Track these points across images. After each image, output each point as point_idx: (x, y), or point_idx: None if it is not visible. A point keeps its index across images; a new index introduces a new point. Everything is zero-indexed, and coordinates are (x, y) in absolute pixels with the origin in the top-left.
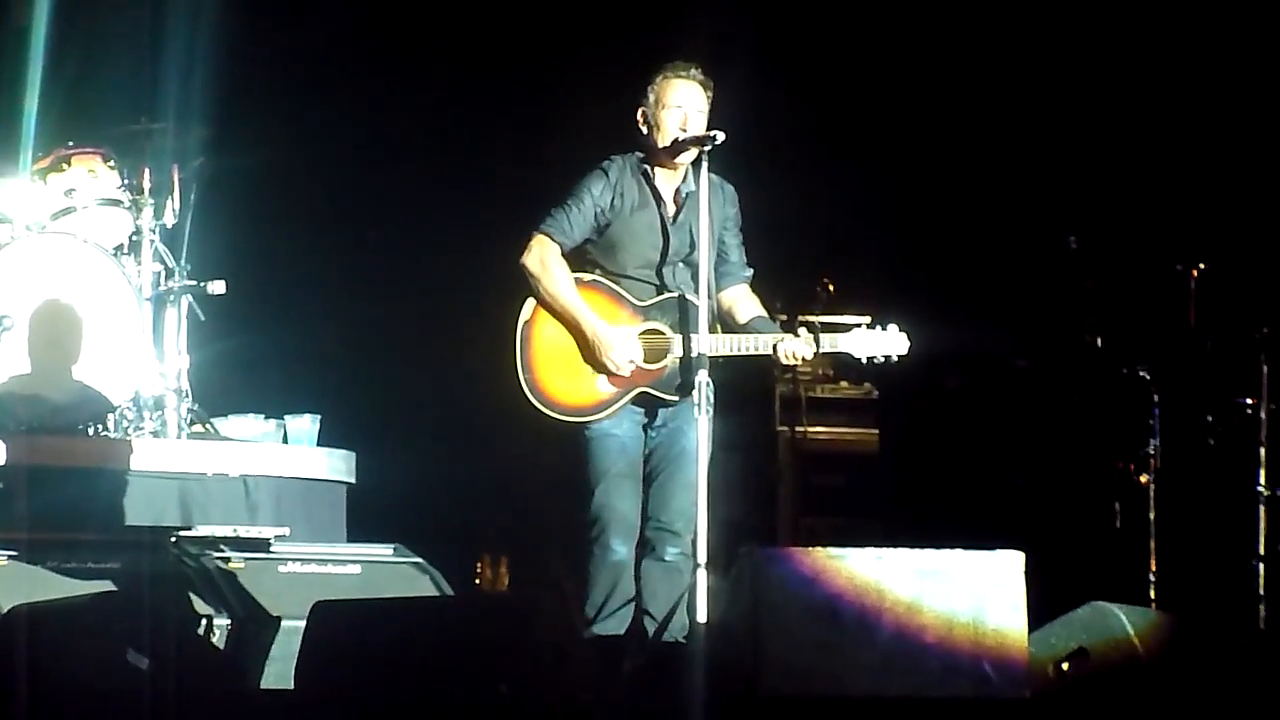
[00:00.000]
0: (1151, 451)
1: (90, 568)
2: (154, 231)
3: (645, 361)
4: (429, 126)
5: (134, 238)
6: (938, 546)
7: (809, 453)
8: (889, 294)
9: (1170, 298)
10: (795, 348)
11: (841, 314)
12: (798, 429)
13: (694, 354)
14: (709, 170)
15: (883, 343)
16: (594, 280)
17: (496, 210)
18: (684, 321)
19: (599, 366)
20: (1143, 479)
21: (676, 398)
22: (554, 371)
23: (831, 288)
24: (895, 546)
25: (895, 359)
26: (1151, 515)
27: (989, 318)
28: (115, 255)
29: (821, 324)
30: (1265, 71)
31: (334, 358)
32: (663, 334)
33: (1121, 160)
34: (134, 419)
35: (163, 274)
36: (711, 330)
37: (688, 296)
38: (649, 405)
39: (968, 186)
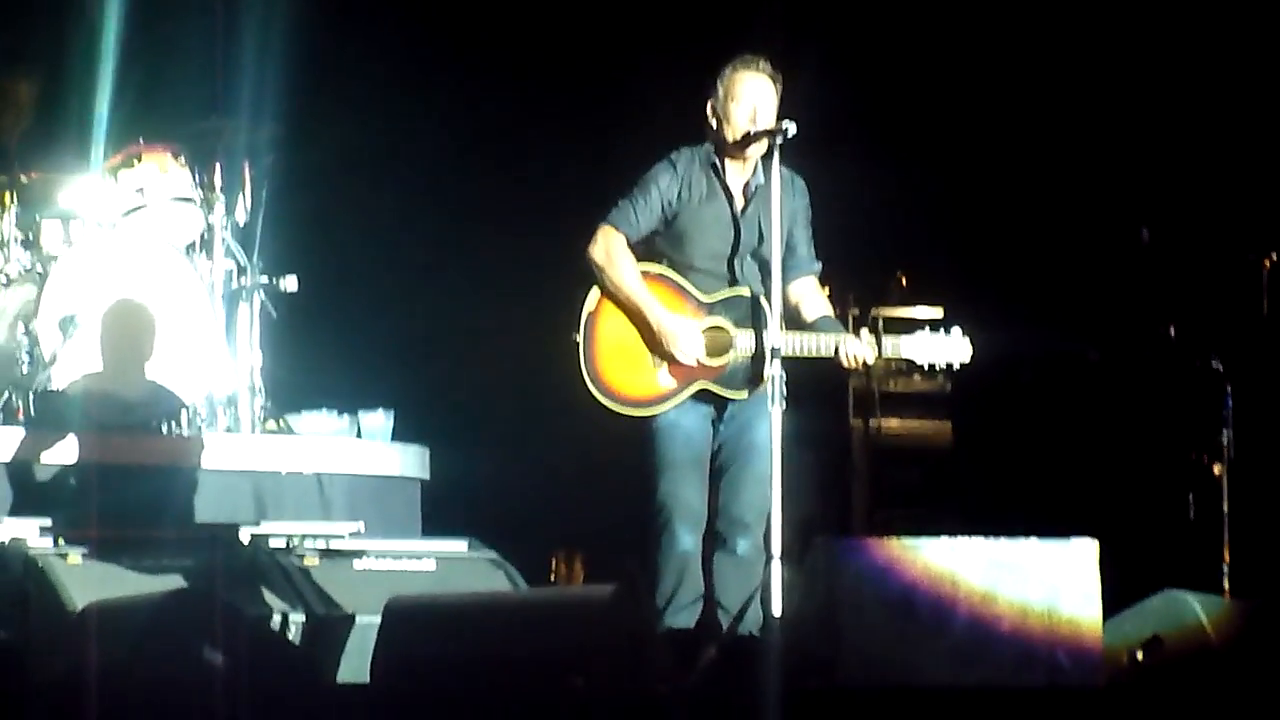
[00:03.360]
0: (1224, 442)
1: (164, 565)
2: (226, 228)
3: (707, 357)
4: (501, 120)
5: (205, 235)
6: (1012, 537)
7: (883, 446)
8: (962, 287)
9: (1242, 288)
10: (857, 350)
11: (914, 306)
12: (871, 423)
13: (758, 350)
14: (780, 163)
15: (945, 348)
16: (661, 274)
17: (569, 203)
18: (750, 317)
19: (662, 358)
20: (1216, 469)
21: (739, 394)
22: (616, 363)
23: (905, 281)
24: (973, 537)
25: (957, 366)
26: (1225, 505)
27: (1061, 310)
28: (187, 252)
29: (889, 320)
30: None
31: (407, 353)
32: (725, 330)
33: (1193, 151)
34: (207, 416)
35: (235, 271)
36: (779, 327)
37: (755, 291)
38: (716, 400)
39: (1040, 178)
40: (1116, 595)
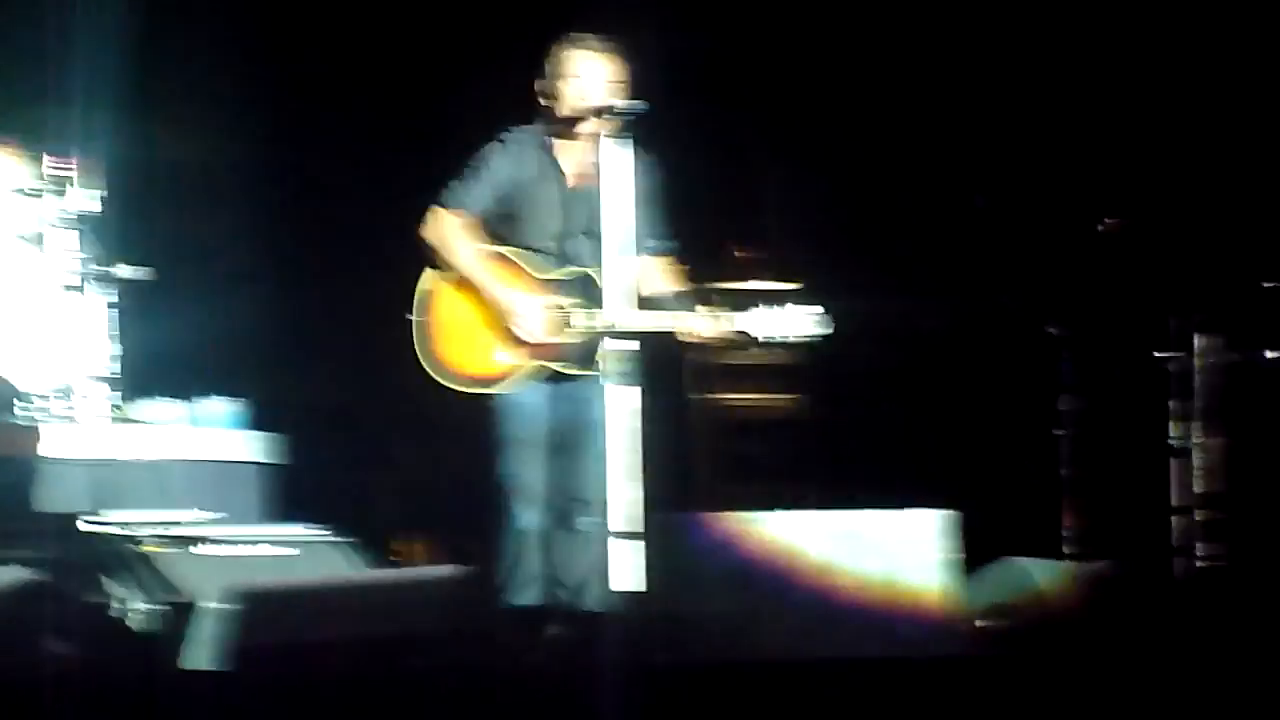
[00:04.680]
0: (1063, 407)
1: (3, 556)
2: (70, 218)
3: (545, 334)
4: (347, 107)
5: (51, 225)
6: (858, 509)
7: (724, 420)
8: (799, 259)
9: (1080, 253)
10: (695, 325)
11: (752, 280)
12: (711, 397)
13: (595, 328)
14: (618, 141)
15: (784, 322)
16: (498, 253)
17: (412, 186)
18: (585, 295)
19: (501, 335)
20: (1055, 434)
21: (578, 371)
22: (454, 342)
23: (741, 254)
24: (814, 510)
25: (793, 339)
26: (1063, 470)
27: (900, 279)
28: (32, 243)
29: (727, 293)
30: (1171, 22)
31: (254, 340)
32: (563, 308)
33: (1030, 114)
34: (49, 405)
35: (79, 260)
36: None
37: (590, 270)
38: (555, 377)
39: (877, 147)
40: (958, 563)
